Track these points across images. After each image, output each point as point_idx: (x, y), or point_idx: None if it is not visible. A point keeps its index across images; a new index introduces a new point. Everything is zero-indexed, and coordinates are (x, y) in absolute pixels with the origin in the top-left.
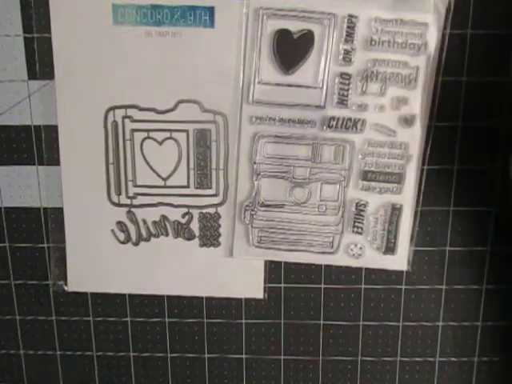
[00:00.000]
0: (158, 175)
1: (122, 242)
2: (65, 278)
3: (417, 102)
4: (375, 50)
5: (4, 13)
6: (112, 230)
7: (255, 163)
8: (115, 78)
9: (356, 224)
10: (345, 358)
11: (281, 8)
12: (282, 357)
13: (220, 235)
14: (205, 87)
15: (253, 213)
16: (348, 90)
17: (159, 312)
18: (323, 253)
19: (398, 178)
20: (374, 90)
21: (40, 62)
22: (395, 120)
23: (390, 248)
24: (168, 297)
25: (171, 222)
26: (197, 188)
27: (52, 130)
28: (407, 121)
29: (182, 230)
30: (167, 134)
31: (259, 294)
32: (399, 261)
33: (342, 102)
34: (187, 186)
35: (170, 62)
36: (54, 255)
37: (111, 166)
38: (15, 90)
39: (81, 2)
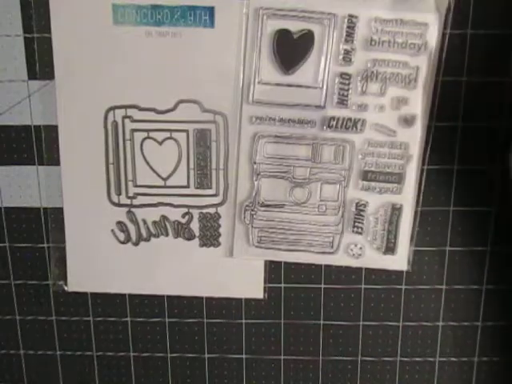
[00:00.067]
0: (158, 175)
1: (122, 242)
2: (65, 278)
3: (417, 102)
4: (375, 49)
5: (4, 13)
6: (112, 230)
7: (255, 163)
8: (115, 78)
9: (356, 224)
10: (345, 358)
11: (281, 8)
12: (282, 357)
13: (220, 235)
14: (205, 87)
15: (253, 213)
16: (348, 89)
17: (159, 312)
18: (323, 253)
19: (398, 178)
20: (374, 89)
21: (40, 62)
22: (395, 120)
23: (390, 248)
24: (168, 297)
25: (171, 221)
26: (197, 188)
27: (52, 130)
28: (407, 121)
29: (182, 230)
30: (167, 134)
31: (259, 294)
32: (399, 261)
33: (342, 101)
34: (187, 186)
35: (170, 62)
36: (54, 255)
37: (111, 166)
38: (15, 89)
39: (81, 2)
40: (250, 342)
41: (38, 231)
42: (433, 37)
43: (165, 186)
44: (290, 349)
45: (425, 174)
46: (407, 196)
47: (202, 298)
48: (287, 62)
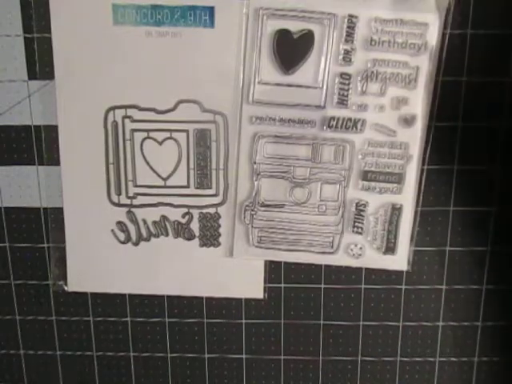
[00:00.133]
0: (158, 175)
1: (122, 242)
2: (65, 278)
3: (417, 102)
4: (375, 49)
5: (4, 13)
6: (112, 230)
7: (255, 163)
8: (115, 78)
9: (356, 224)
10: (345, 358)
11: (281, 8)
12: (282, 357)
13: (220, 235)
14: (205, 87)
15: (253, 213)
16: (348, 89)
17: (159, 312)
18: (323, 253)
19: (398, 178)
20: (374, 89)
21: (40, 61)
22: (395, 120)
23: (390, 248)
24: (168, 297)
25: (171, 221)
26: (197, 188)
27: (52, 130)
28: (407, 121)
29: (182, 230)
30: (167, 134)
31: (259, 294)
32: (399, 261)
33: (342, 101)
34: (187, 186)
35: (169, 62)
36: (54, 255)
37: (111, 166)
38: (15, 89)
39: (81, 2)
40: (250, 342)
41: (38, 231)
42: (433, 37)
43: (165, 186)
44: (289, 349)
45: (425, 174)
46: (407, 196)
47: (202, 298)
48: (287, 62)
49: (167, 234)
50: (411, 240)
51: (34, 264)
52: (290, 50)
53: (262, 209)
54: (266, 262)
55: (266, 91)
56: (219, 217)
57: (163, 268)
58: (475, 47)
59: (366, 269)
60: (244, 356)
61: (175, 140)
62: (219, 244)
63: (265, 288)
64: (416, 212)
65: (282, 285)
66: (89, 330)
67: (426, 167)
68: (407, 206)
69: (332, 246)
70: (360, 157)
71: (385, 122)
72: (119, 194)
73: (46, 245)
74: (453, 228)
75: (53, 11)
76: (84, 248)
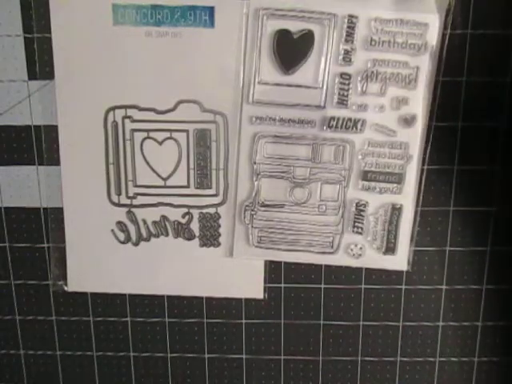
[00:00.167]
0: (158, 175)
1: (122, 242)
2: (65, 278)
3: (417, 102)
4: (375, 50)
5: (4, 13)
6: (112, 230)
7: (255, 163)
8: (115, 78)
9: (356, 224)
10: (345, 358)
11: (281, 8)
12: (282, 357)
13: (220, 235)
14: (205, 87)
15: (253, 213)
16: (348, 90)
17: (159, 312)
18: (323, 253)
19: (398, 178)
20: (374, 90)
21: (40, 62)
22: (395, 120)
23: (390, 248)
24: (168, 297)
25: (171, 221)
26: (197, 188)
27: (52, 130)
28: (407, 121)
29: (182, 230)
30: (167, 134)
31: (259, 294)
32: (399, 261)
33: (342, 102)
34: (187, 186)
35: (169, 62)
36: (53, 255)
37: (111, 166)
38: (15, 89)
39: (81, 2)
40: (250, 342)
41: (38, 231)
42: (433, 37)
43: (165, 186)
44: (289, 349)
45: (425, 174)
46: (407, 196)
47: (202, 298)
48: (287, 62)
49: (167, 234)
50: (411, 240)
51: (34, 264)
52: (290, 50)
53: (262, 209)
54: (265, 262)
55: (266, 91)
56: (219, 217)
57: (163, 268)
58: (475, 47)
59: (366, 269)
60: (244, 356)
61: (175, 140)
62: (219, 244)
63: (265, 288)
64: (416, 212)
65: (282, 285)
66: (89, 330)
67: (425, 167)
68: (407, 206)
69: (332, 246)
70: (360, 157)
71: (385, 122)
72: (119, 194)
73: (45, 245)
74: (453, 228)
75: (53, 11)
76: (84, 248)
